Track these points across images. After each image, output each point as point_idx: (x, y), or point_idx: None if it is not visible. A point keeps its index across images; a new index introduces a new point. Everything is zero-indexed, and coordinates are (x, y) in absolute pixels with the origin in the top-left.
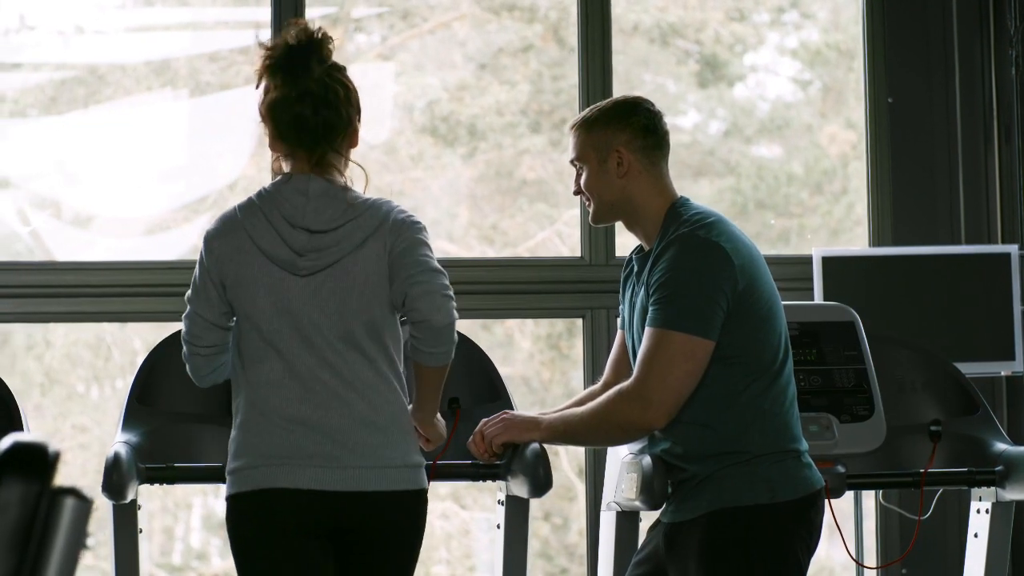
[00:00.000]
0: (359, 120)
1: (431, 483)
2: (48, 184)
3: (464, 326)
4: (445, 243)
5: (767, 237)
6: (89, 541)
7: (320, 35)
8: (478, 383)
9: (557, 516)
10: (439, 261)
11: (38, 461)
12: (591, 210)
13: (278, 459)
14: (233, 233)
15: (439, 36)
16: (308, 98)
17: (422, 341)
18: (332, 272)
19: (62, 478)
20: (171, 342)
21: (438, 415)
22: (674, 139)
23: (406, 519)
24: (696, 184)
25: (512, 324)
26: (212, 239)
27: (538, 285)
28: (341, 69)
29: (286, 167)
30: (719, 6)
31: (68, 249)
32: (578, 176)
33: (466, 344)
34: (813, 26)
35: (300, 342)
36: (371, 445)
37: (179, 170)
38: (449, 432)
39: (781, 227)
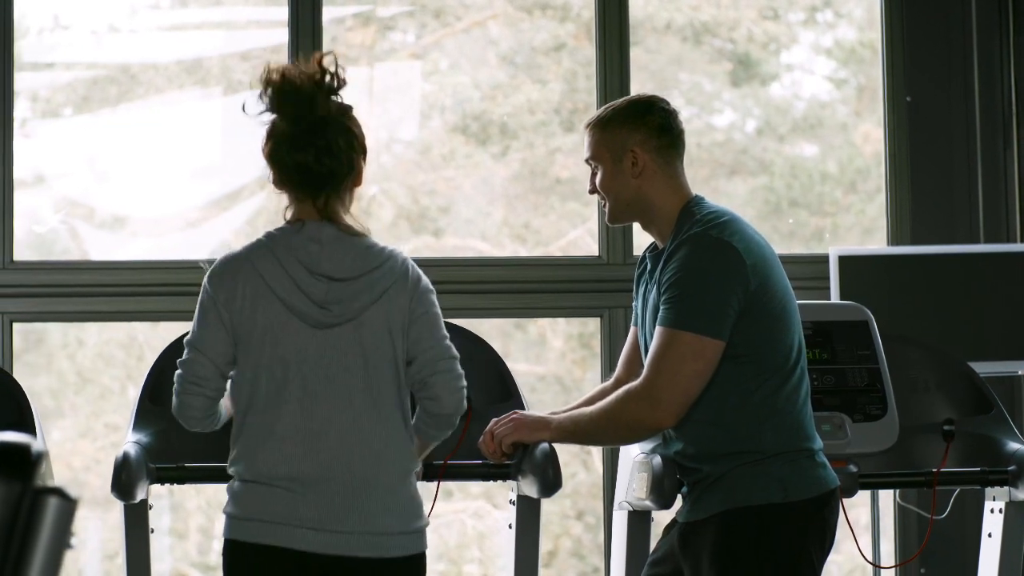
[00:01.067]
0: (364, 161)
1: (442, 483)
2: (81, 183)
3: (497, 325)
4: (478, 242)
5: (801, 236)
6: (74, 541)
7: (327, 76)
8: (490, 383)
9: (590, 515)
10: (466, 260)
11: (20, 461)
12: (607, 210)
13: (276, 517)
14: (244, 276)
15: (472, 35)
16: (311, 147)
17: (429, 424)
18: (353, 326)
19: (96, 476)
20: (179, 342)
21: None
22: (708, 138)
23: None
24: (730, 183)
25: (544, 323)
26: (221, 281)
27: (556, 284)
28: (346, 111)
29: (292, 211)
30: (752, 4)
31: (101, 248)
32: (593, 176)
33: (478, 344)
34: (848, 25)
35: (313, 396)
36: (370, 512)
37: (212, 168)
38: (460, 432)
39: (815, 226)
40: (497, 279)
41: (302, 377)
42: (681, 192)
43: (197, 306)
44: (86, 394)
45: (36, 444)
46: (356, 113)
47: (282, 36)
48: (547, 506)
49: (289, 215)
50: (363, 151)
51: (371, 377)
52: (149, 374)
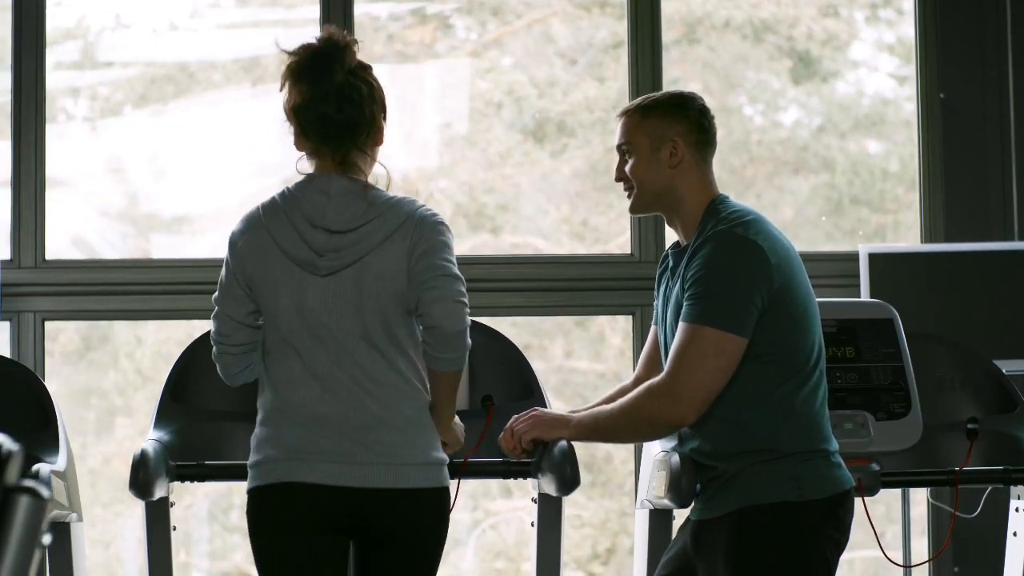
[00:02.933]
0: (384, 118)
1: (463, 480)
2: (140, 181)
3: (559, 322)
4: (536, 240)
5: (865, 233)
6: (46, 539)
7: (344, 40)
8: (512, 380)
9: None
10: (495, 259)
11: None
12: (632, 198)
13: (296, 454)
14: (256, 233)
15: (530, 33)
16: (331, 96)
17: (433, 346)
18: (351, 271)
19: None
20: (205, 340)
21: (456, 419)
22: (771, 135)
23: (425, 517)
24: (793, 180)
25: (603, 320)
26: (236, 239)
27: (588, 282)
28: (366, 68)
29: (310, 166)
30: (812, 2)
31: (160, 245)
32: (623, 163)
33: (500, 341)
34: (909, 23)
35: (318, 341)
36: (388, 443)
37: (271, 166)
38: (482, 429)
39: (877, 223)
40: (529, 277)
41: (306, 324)
42: (709, 190)
43: (223, 264)
44: (146, 392)
45: (6, 443)
46: (410, 110)
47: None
48: (606, 503)
49: (303, 167)
50: (383, 107)
51: (374, 319)
52: (171, 372)
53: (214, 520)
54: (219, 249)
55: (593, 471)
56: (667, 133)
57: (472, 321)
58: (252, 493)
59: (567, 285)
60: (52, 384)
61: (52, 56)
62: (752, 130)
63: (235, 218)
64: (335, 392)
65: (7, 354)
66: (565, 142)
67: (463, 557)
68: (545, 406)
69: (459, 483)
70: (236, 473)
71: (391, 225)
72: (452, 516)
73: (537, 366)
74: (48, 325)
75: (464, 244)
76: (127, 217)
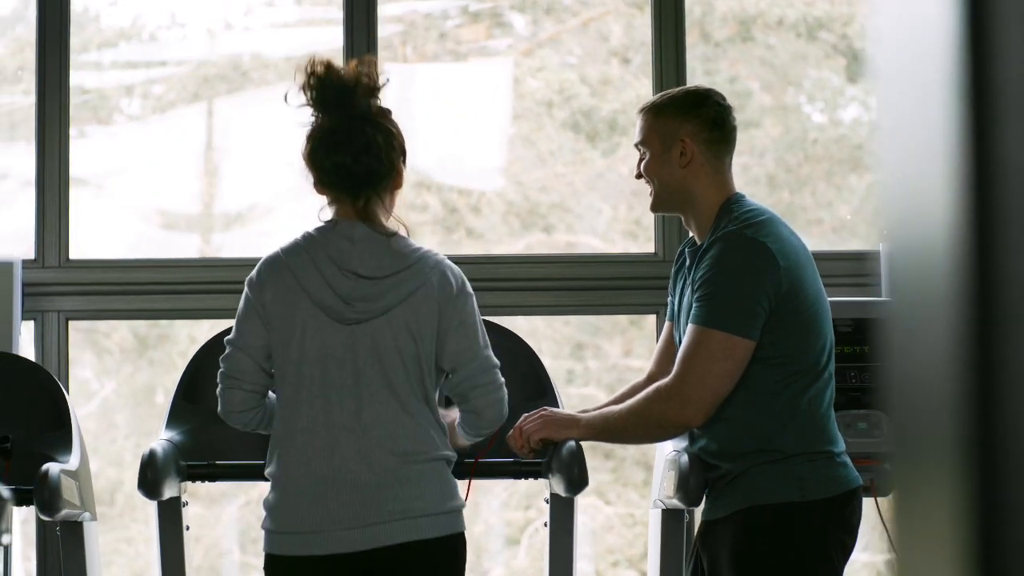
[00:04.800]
0: (404, 163)
1: (474, 480)
2: (191, 179)
3: (615, 321)
4: (590, 238)
5: None
6: (6, 538)
7: (364, 79)
8: (525, 380)
9: None
10: (520, 258)
11: None
12: (651, 196)
13: (310, 527)
14: (279, 275)
15: (582, 31)
16: (349, 147)
17: (469, 433)
18: (378, 323)
19: None
20: (219, 341)
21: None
22: (829, 133)
23: (438, 565)
24: (850, 177)
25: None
26: (258, 280)
27: (612, 281)
28: (385, 113)
29: (331, 213)
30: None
31: (216, 244)
32: (641, 160)
33: (513, 340)
34: None
35: (338, 390)
36: (400, 499)
37: None
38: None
39: None
40: (553, 276)
41: (327, 372)
42: (724, 188)
43: (240, 305)
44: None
45: None
46: (463, 109)
47: (393, 30)
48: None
49: (325, 215)
50: (402, 152)
51: (396, 373)
52: (184, 373)
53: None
54: (265, 248)
55: (647, 469)
56: (677, 132)
57: (485, 321)
58: (268, 559)
59: (591, 284)
60: (111, 383)
61: (107, 55)
62: (810, 128)
63: (286, 217)
64: (346, 446)
65: (31, 353)
66: (617, 141)
67: (516, 556)
68: (558, 406)
69: (470, 484)
70: (247, 473)
71: (418, 280)
72: (506, 516)
73: (592, 365)
74: (101, 325)
75: (518, 243)
76: (180, 215)
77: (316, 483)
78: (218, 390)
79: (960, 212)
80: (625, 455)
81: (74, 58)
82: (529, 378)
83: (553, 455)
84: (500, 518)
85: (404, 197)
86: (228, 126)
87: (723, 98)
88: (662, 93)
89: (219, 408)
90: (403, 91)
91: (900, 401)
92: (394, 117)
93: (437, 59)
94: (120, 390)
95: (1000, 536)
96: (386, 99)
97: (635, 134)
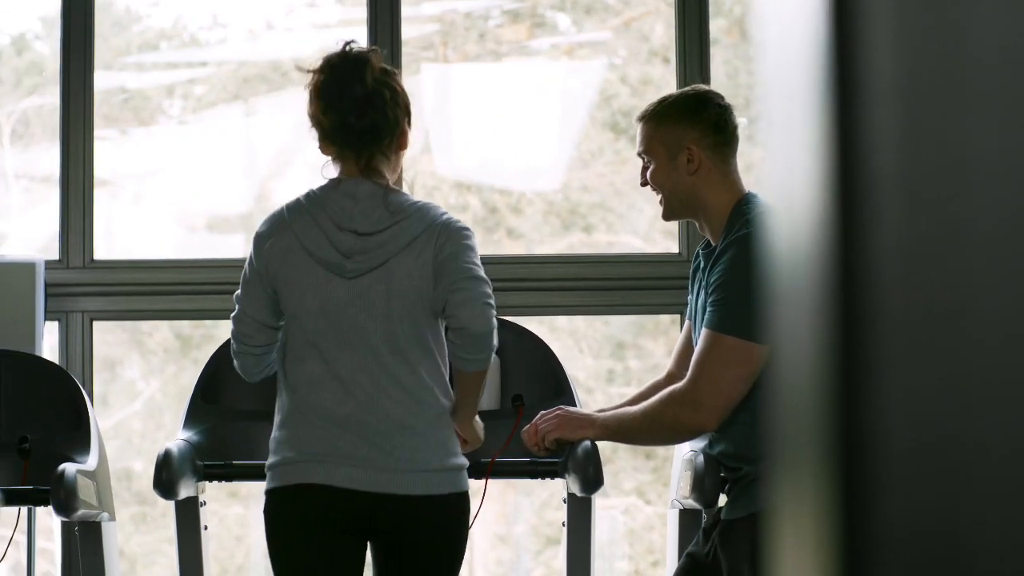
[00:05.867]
0: (408, 123)
1: (491, 480)
2: (232, 179)
3: (658, 321)
4: (630, 238)
5: None
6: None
7: (366, 54)
8: (543, 380)
9: None
10: (542, 258)
11: None
12: (662, 206)
13: (315, 456)
14: (281, 233)
15: (623, 31)
16: (353, 102)
17: (460, 347)
18: (378, 274)
19: None
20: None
21: (476, 418)
22: None
23: (444, 522)
24: None
25: None
26: (261, 239)
27: (634, 281)
28: (390, 73)
29: (335, 170)
30: None
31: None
32: (645, 169)
33: (531, 340)
34: None
35: (342, 344)
36: (408, 448)
37: None
38: (511, 430)
39: None
40: (574, 276)
41: (331, 326)
42: (734, 189)
43: (246, 262)
44: None
45: None
46: (503, 108)
47: (431, 28)
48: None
49: (328, 172)
50: (407, 112)
51: (400, 323)
52: (202, 373)
53: None
54: None
55: None
56: (682, 141)
57: (504, 320)
58: (270, 494)
59: (613, 284)
60: (154, 383)
61: (149, 56)
62: None
63: None
64: (356, 395)
65: (56, 353)
66: None
67: (556, 556)
68: (575, 405)
69: (487, 483)
70: (264, 473)
71: (417, 228)
72: (547, 516)
73: (633, 364)
74: (143, 325)
75: (559, 243)
76: (221, 216)
77: (325, 421)
78: (231, 348)
79: (823, 212)
80: (667, 455)
81: (115, 59)
82: (547, 377)
83: (569, 455)
84: (541, 518)
85: (444, 197)
86: (268, 126)
87: (722, 97)
88: (660, 99)
89: (235, 364)
90: (444, 91)
91: (777, 402)
92: (399, 77)
93: (478, 59)
94: (165, 389)
95: (863, 530)
96: (427, 99)
97: (637, 143)
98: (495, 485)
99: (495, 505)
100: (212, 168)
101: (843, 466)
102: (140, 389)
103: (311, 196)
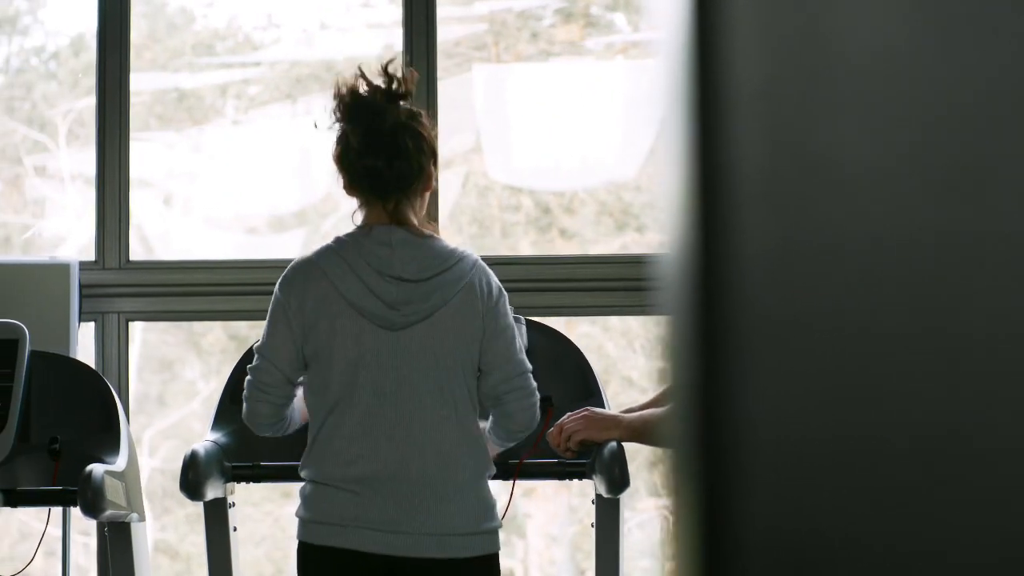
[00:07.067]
0: (435, 163)
1: (517, 481)
2: (284, 179)
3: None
4: None
5: None
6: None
7: (395, 83)
8: (572, 381)
9: None
10: (564, 259)
11: None
12: None
13: (344, 520)
14: (315, 281)
15: None
16: (380, 151)
17: (503, 437)
18: (423, 327)
19: None
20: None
21: None
22: None
23: None
24: None
25: None
26: (291, 286)
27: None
28: (416, 116)
29: (362, 216)
30: None
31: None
32: None
33: (561, 341)
34: None
35: (382, 397)
36: (439, 513)
37: None
38: (540, 429)
39: None
40: (602, 276)
41: (372, 379)
42: None
43: (268, 312)
44: None
45: None
46: (555, 108)
47: (479, 28)
48: None
49: (358, 219)
50: (433, 155)
51: (443, 378)
52: (232, 374)
53: None
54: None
55: None
56: None
57: (532, 321)
58: (301, 547)
59: (640, 285)
60: (212, 384)
61: (203, 57)
62: None
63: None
64: (390, 451)
65: (92, 354)
66: None
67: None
68: (603, 406)
69: (514, 484)
70: (291, 475)
71: (461, 279)
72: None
73: None
74: (196, 326)
75: (612, 243)
76: (274, 216)
77: (355, 483)
78: (244, 395)
79: (687, 216)
80: None
81: (169, 61)
82: (575, 378)
83: (595, 456)
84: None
85: (497, 197)
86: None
87: None
88: None
89: (244, 416)
90: (496, 91)
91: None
92: (424, 119)
93: (531, 59)
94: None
95: (723, 527)
96: (479, 99)
97: None
98: (549, 485)
99: (549, 505)
100: (264, 168)
101: (704, 465)
102: (199, 389)
103: (342, 243)
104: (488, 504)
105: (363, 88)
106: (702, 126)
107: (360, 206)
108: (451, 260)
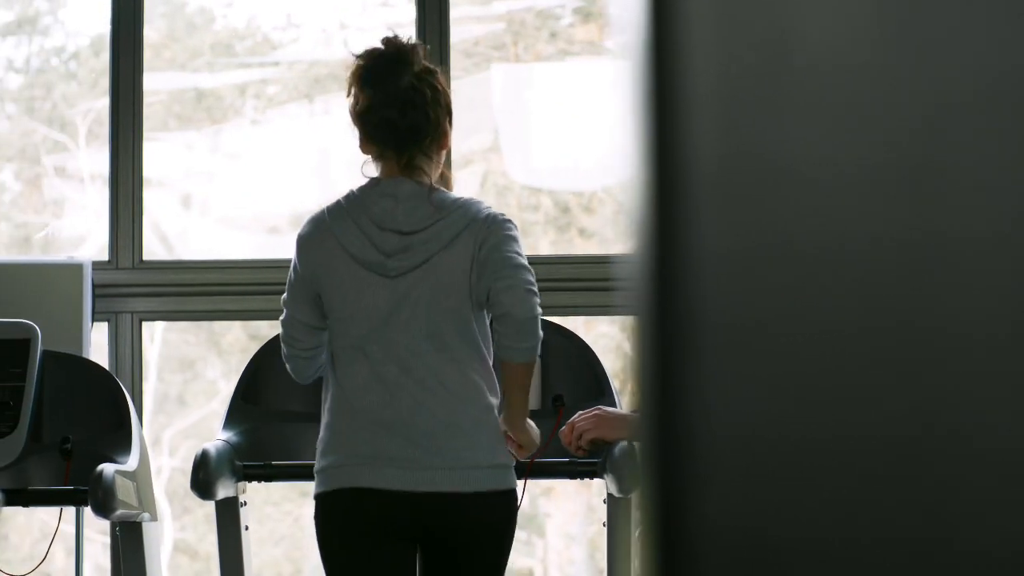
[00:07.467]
0: (450, 122)
1: (530, 481)
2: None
3: None
4: None
5: None
6: None
7: (410, 46)
8: (583, 380)
9: None
10: (583, 259)
11: None
12: None
13: (363, 459)
14: (322, 236)
15: None
16: (395, 101)
17: (505, 335)
18: (421, 272)
19: None
20: (278, 341)
21: (530, 421)
22: None
23: (492, 519)
24: None
25: None
26: (303, 242)
27: None
28: (432, 72)
29: (376, 170)
30: None
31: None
32: None
33: (572, 340)
34: None
35: (386, 344)
36: (454, 448)
37: None
38: (551, 430)
39: None
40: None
41: (376, 327)
42: None
43: (291, 266)
44: None
45: None
46: (576, 108)
47: (498, 27)
48: None
49: (367, 171)
50: (448, 111)
51: (446, 320)
52: (243, 373)
53: None
54: None
55: None
56: None
57: (545, 320)
58: (319, 498)
59: None
60: (232, 383)
61: (222, 56)
62: None
63: None
64: (401, 397)
65: (105, 354)
66: None
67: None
68: (615, 405)
69: (526, 483)
70: (304, 474)
71: (459, 224)
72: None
73: None
74: (215, 326)
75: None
76: (292, 215)
77: (372, 424)
78: (282, 353)
79: (644, 216)
80: None
81: (188, 61)
82: (587, 377)
83: (607, 455)
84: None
85: (516, 196)
86: (339, 126)
87: None
88: None
89: (287, 368)
90: (515, 90)
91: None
92: (440, 76)
93: (550, 59)
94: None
95: (679, 525)
96: (497, 98)
97: None
98: (568, 484)
99: (568, 504)
100: (282, 167)
101: (660, 465)
102: (219, 388)
103: (351, 197)
104: (499, 439)
105: (380, 47)
106: (658, 127)
107: (375, 159)
108: (450, 208)
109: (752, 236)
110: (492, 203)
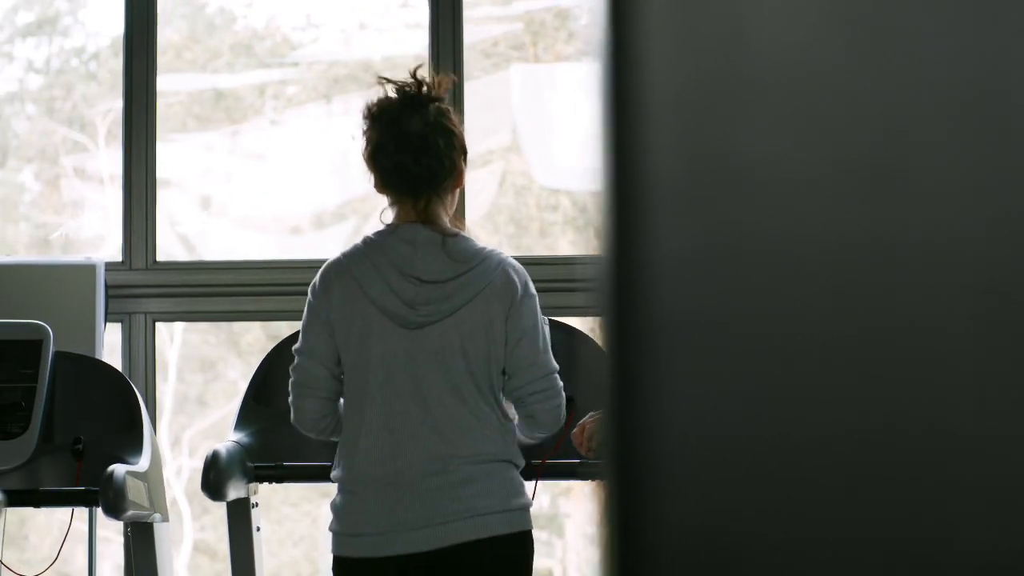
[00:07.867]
0: (464, 160)
1: (540, 481)
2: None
3: None
4: None
5: None
6: None
7: (425, 88)
8: (595, 382)
9: None
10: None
11: None
12: None
13: (378, 528)
14: (342, 281)
15: None
16: (409, 147)
17: (529, 436)
18: (442, 326)
19: None
20: (291, 341)
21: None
22: None
23: (508, 562)
24: None
25: None
26: (321, 286)
27: None
28: (445, 113)
29: (392, 215)
30: None
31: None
32: None
33: (584, 341)
34: None
35: (403, 395)
36: (465, 497)
37: None
38: (564, 429)
39: None
40: None
41: (393, 377)
42: None
43: (303, 314)
44: None
45: None
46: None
47: (516, 27)
48: None
49: (387, 218)
50: (463, 151)
51: (460, 376)
52: (255, 374)
53: None
54: None
55: None
56: None
57: (555, 321)
58: (339, 561)
59: None
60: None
61: (242, 57)
62: None
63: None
64: (411, 451)
65: (118, 355)
66: None
67: None
68: None
69: (536, 485)
70: (314, 475)
71: (483, 280)
72: None
73: None
74: (235, 326)
75: None
76: (312, 215)
77: (381, 487)
78: (290, 400)
79: (605, 220)
80: None
81: (208, 62)
82: (599, 379)
83: None
84: None
85: (536, 196)
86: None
87: None
88: None
89: (292, 418)
90: (534, 90)
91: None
92: (453, 116)
93: (569, 59)
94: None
95: (637, 527)
96: (516, 98)
97: None
98: (587, 484)
99: (589, 504)
100: (302, 168)
101: (619, 465)
102: (239, 389)
103: (369, 242)
104: (516, 483)
105: (391, 92)
106: (618, 130)
107: (391, 204)
108: (474, 261)
109: (713, 237)
110: (511, 203)
